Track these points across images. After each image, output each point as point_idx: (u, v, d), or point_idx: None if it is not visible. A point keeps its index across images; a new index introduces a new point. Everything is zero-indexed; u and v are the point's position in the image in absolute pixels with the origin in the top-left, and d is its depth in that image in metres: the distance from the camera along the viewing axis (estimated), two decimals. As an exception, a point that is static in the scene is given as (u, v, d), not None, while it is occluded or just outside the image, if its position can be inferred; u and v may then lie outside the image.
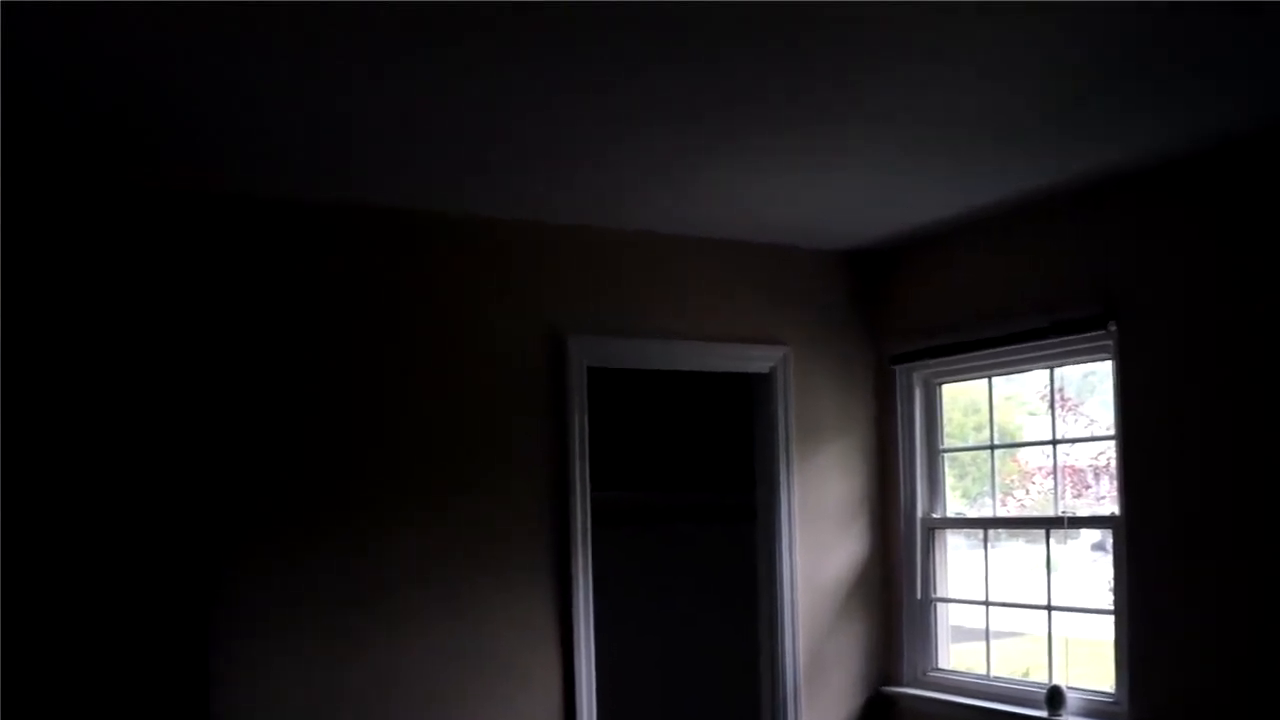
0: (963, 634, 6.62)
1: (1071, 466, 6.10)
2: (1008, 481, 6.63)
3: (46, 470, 4.95)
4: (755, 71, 4.01)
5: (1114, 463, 5.55)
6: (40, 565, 4.89)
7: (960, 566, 6.59)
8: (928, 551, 6.57)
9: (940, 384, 6.62)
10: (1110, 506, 5.64)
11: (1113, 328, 5.40)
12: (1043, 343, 5.77)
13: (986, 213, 5.90)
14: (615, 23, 3.59)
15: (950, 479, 6.64)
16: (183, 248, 5.24)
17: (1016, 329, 5.85)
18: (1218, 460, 5.03)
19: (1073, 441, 6.02)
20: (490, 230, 5.81)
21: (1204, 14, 3.62)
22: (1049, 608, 5.95)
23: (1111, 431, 5.55)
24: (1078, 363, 5.88)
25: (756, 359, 6.46)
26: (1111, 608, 5.54)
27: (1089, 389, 6.04)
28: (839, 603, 6.62)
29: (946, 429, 6.64)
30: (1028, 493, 6.57)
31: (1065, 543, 6.12)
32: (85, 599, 4.98)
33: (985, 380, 6.35)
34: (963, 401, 6.68)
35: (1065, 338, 5.64)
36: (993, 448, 6.39)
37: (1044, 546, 5.96)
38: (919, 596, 6.57)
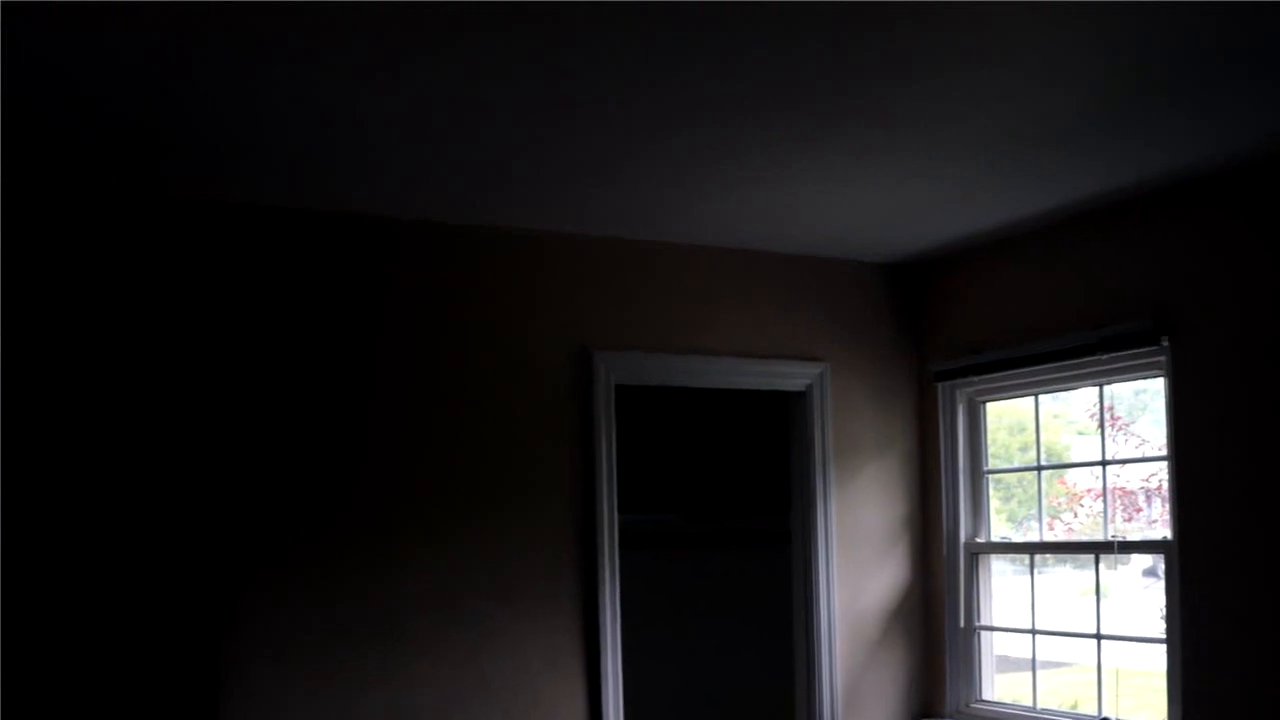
0: (1008, 664, 6.55)
1: (1122, 488, 6.04)
2: (1055, 504, 6.57)
3: (56, 491, 4.94)
4: (790, 76, 3.97)
5: (1166, 484, 5.47)
6: (49, 589, 4.89)
7: (1005, 593, 6.52)
8: (971, 577, 6.50)
9: (984, 402, 6.55)
10: (1162, 530, 5.56)
11: (1165, 343, 5.34)
12: (1092, 359, 5.69)
13: (1032, 223, 5.85)
14: (643, 25, 3.56)
15: (995, 501, 6.56)
16: (196, 260, 5.23)
17: (1064, 345, 5.78)
18: (1276, 481, 4.95)
19: (1123, 462, 5.95)
20: (513, 242, 5.79)
21: (1259, 14, 3.56)
22: (1098, 636, 5.86)
23: (1164, 452, 5.47)
24: (1129, 380, 5.80)
25: (792, 376, 6.42)
26: (1164, 636, 5.45)
27: (1140, 407, 5.99)
28: (878, 631, 6.55)
29: (991, 449, 6.57)
30: (1076, 516, 6.53)
31: (1115, 568, 6.06)
32: (94, 620, 4.97)
33: (1031, 398, 6.28)
34: (1008, 420, 6.62)
35: (1115, 354, 5.57)
36: (1039, 469, 6.31)
37: (1093, 572, 5.89)
38: (962, 624, 6.50)
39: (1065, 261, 5.87)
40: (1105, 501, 5.92)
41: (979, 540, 6.50)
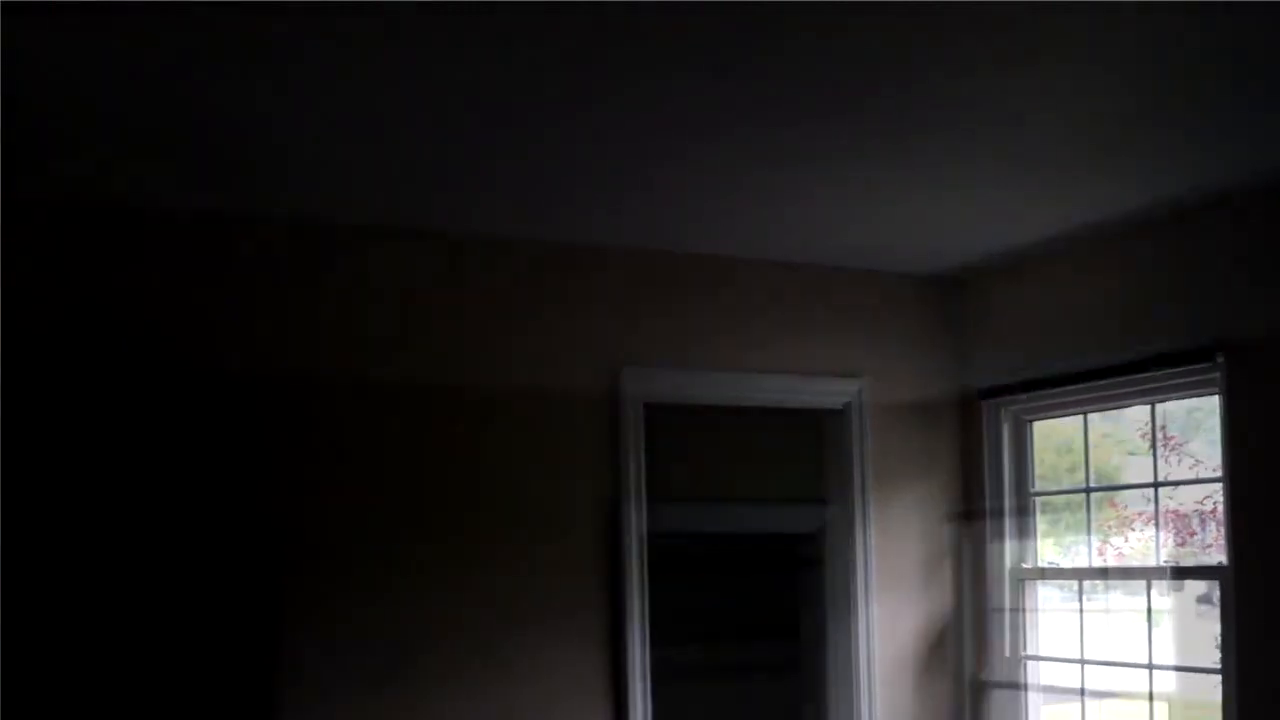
0: (1056, 694, 6.48)
1: (1175, 511, 5.98)
2: (1105, 527, 6.50)
3: (91, 522, 4.97)
4: (826, 79, 3.93)
5: (1221, 508, 5.41)
6: (76, 626, 4.93)
7: (1053, 621, 6.47)
8: (1018, 604, 6.46)
9: (1031, 421, 6.51)
10: (1217, 555, 5.50)
11: (1220, 360, 5.27)
12: (1143, 376, 5.65)
13: (1081, 234, 5.80)
14: (667, 23, 3.51)
15: (1042, 525, 6.50)
16: (211, 273, 5.25)
17: (1114, 361, 5.75)
18: None
19: (1176, 484, 5.90)
20: (535, 254, 5.78)
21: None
22: (1150, 666, 5.80)
23: (1219, 473, 5.40)
24: (1182, 398, 5.76)
25: (830, 393, 6.38)
26: (1219, 666, 5.39)
27: (1194, 425, 5.92)
28: (921, 660, 6.50)
29: (1038, 470, 6.50)
30: (1126, 540, 6.46)
31: (1166, 594, 5.99)
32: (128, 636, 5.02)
33: (1080, 417, 6.23)
34: (1055, 440, 6.57)
35: (1168, 370, 5.52)
36: (1088, 491, 6.26)
37: (1144, 599, 5.82)
38: (1008, 654, 6.45)
39: (1115, 274, 5.83)
40: (1157, 525, 5.85)
41: (1025, 566, 6.45)
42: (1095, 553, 6.28)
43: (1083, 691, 6.19)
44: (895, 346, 6.55)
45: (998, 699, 6.47)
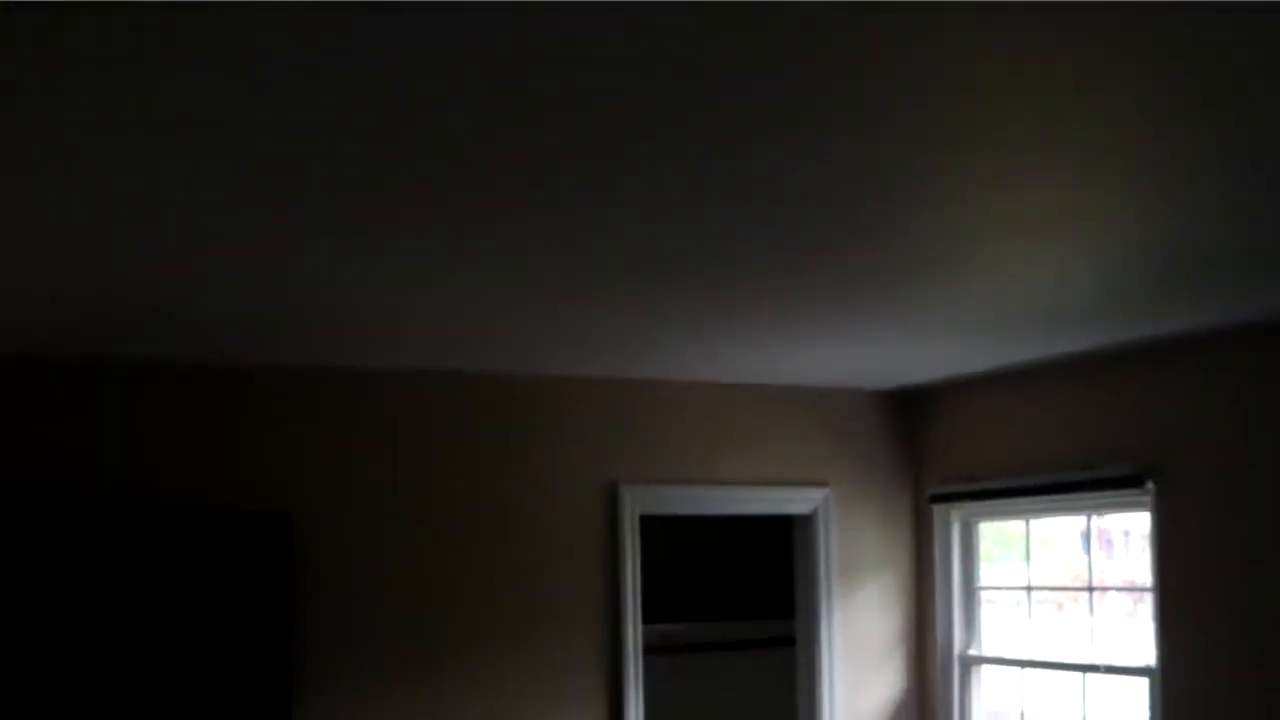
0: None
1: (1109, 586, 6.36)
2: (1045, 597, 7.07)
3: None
4: (806, 244, 4.08)
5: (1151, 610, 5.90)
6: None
7: (999, 700, 7.04)
8: (965, 687, 7.04)
9: (978, 522, 7.10)
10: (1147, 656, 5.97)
11: (1150, 486, 5.83)
12: (1080, 495, 6.23)
13: (1029, 366, 6.37)
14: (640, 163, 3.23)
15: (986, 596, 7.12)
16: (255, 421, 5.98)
17: (1055, 480, 6.29)
18: (1254, 616, 5.42)
19: (1109, 589, 6.54)
20: (546, 387, 6.44)
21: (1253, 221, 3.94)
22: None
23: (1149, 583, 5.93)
24: (1115, 513, 6.42)
25: (799, 501, 7.03)
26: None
27: (1124, 530, 6.64)
28: (880, 726, 7.18)
29: (983, 555, 7.11)
30: (1062, 607, 7.01)
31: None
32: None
33: (1023, 521, 6.89)
34: (1000, 533, 7.23)
35: (1102, 493, 6.11)
36: (1030, 589, 6.89)
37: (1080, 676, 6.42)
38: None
39: (1059, 401, 6.36)
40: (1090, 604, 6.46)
41: (971, 652, 7.06)
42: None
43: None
44: (858, 455, 7.16)
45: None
